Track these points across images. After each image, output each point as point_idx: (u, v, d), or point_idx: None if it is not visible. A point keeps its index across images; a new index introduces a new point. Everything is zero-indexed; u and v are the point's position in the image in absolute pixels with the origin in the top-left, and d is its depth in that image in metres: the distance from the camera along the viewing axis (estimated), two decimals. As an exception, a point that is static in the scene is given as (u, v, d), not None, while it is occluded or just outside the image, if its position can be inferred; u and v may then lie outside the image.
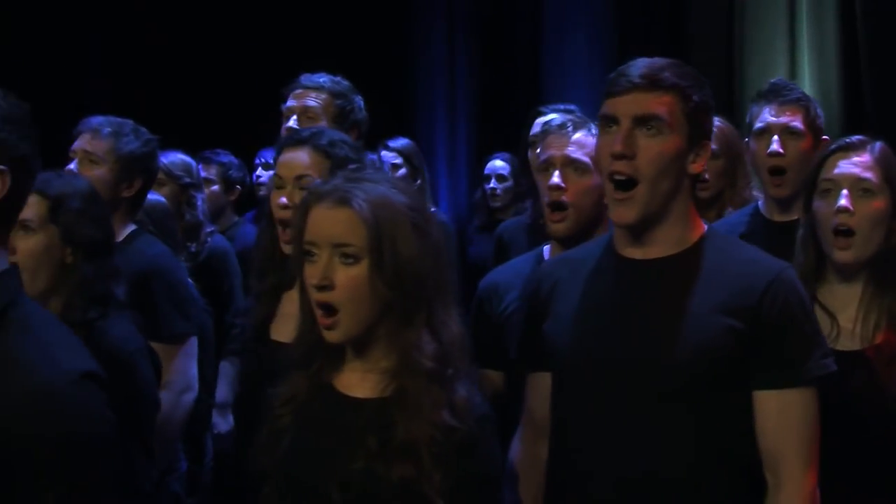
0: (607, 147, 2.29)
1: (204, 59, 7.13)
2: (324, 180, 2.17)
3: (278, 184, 2.84)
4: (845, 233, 2.70)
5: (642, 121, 2.26)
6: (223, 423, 4.22)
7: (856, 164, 2.71)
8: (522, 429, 2.66)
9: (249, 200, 5.67)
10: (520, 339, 2.64)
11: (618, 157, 2.26)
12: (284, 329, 2.80)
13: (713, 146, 3.68)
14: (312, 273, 2.05)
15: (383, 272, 2.03)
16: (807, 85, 6.26)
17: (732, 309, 2.24)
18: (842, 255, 2.75)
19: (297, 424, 2.16)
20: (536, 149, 3.70)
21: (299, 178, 2.80)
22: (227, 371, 4.16)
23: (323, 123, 3.52)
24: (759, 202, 3.58)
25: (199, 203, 4.39)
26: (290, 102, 3.68)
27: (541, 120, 3.86)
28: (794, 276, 2.38)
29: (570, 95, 6.81)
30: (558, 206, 2.90)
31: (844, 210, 2.68)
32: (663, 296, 2.31)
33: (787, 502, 2.24)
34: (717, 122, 3.91)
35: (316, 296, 2.05)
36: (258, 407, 2.72)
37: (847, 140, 2.78)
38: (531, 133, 3.91)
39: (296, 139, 2.89)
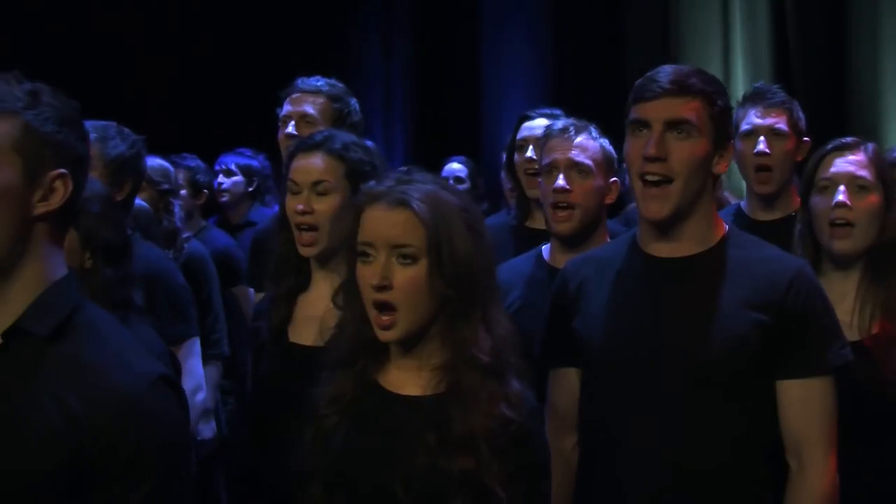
0: (639, 149, 2.40)
1: (162, 61, 7.02)
2: (376, 182, 2.19)
3: (294, 189, 2.86)
4: (843, 225, 2.87)
5: (673, 125, 2.38)
6: (207, 429, 4.19)
7: (851, 162, 2.89)
8: (547, 423, 2.73)
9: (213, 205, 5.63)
10: (545, 336, 2.74)
11: (651, 159, 2.38)
12: (303, 332, 2.84)
13: None
14: (370, 273, 2.07)
15: (441, 271, 2.07)
16: (740, 85, 6.46)
17: (759, 304, 2.38)
18: (841, 245, 2.91)
19: (346, 424, 2.18)
20: (524, 152, 3.79)
21: (316, 183, 2.82)
22: (210, 376, 4.12)
23: (321, 128, 3.50)
24: (742, 203, 3.75)
25: (176, 209, 4.34)
26: (288, 108, 3.67)
27: (529, 124, 3.95)
28: (813, 273, 2.54)
29: (509, 95, 6.92)
30: (564, 207, 3.00)
31: (843, 205, 2.85)
32: (693, 292, 2.42)
33: (813, 485, 2.36)
34: None
35: (375, 296, 2.07)
36: (279, 408, 2.74)
37: (842, 141, 2.96)
38: (518, 137, 3.99)
39: (309, 144, 2.91)
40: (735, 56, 6.53)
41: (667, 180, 2.39)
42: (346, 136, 2.95)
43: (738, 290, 2.40)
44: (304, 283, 2.88)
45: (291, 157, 2.93)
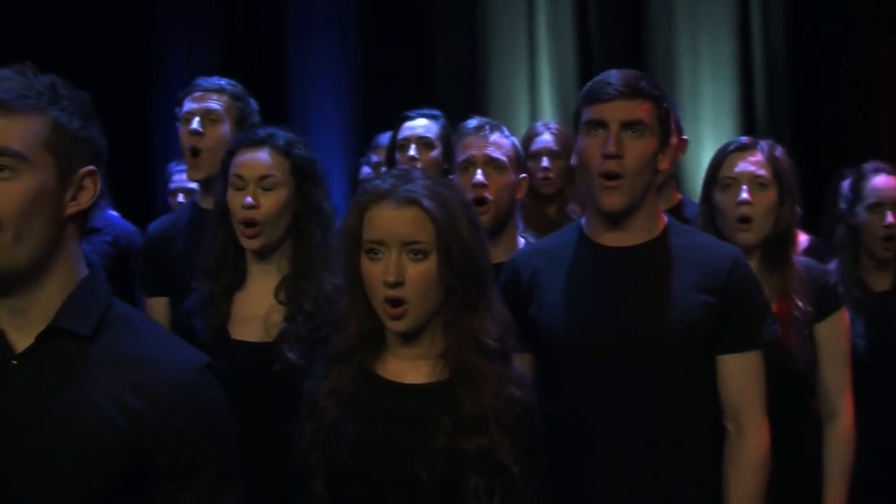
0: (597, 147, 2.60)
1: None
2: (377, 180, 2.25)
3: (238, 185, 2.87)
4: (746, 220, 3.19)
5: (628, 125, 2.59)
6: None
7: (752, 162, 3.20)
8: None
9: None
10: None
11: (612, 156, 2.57)
12: (245, 329, 2.89)
13: (556, 147, 3.99)
14: (381, 270, 2.14)
15: (450, 264, 2.16)
16: (546, 88, 6.60)
17: (705, 287, 2.63)
18: (744, 237, 3.20)
19: (352, 416, 2.22)
20: (406, 151, 3.81)
21: (262, 178, 2.85)
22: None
23: (226, 125, 3.56)
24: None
25: None
26: (190, 105, 3.61)
27: (410, 124, 4.04)
28: (745, 258, 2.82)
29: (316, 99, 6.85)
30: (481, 202, 3.14)
31: (747, 202, 3.17)
32: (646, 277, 2.65)
33: (752, 446, 2.65)
34: (557, 125, 4.20)
35: (389, 292, 2.14)
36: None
37: (741, 141, 3.28)
38: (399, 136, 4.06)
39: (253, 140, 2.92)
40: (541, 63, 6.69)
41: (622, 175, 2.59)
42: (286, 134, 2.99)
43: (686, 274, 2.63)
44: (241, 280, 2.91)
45: (231, 153, 2.93)
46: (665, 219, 2.73)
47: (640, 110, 2.58)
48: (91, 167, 1.74)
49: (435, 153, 3.99)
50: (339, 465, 2.17)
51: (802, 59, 6.48)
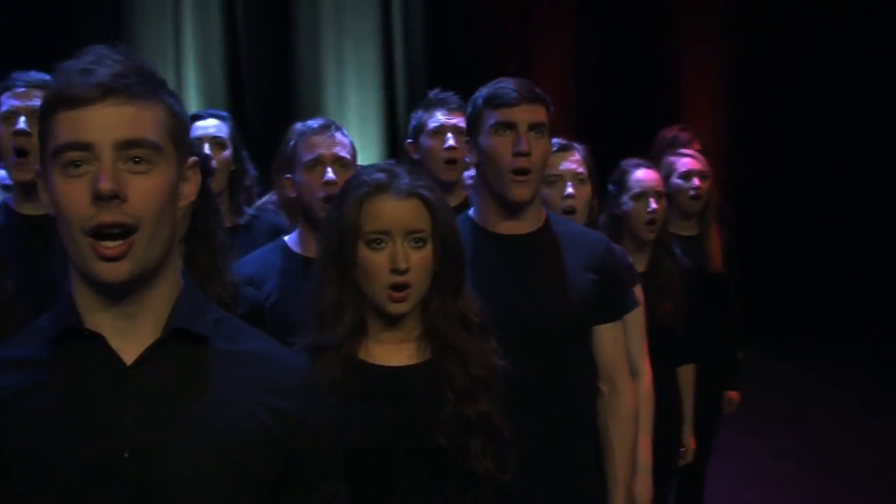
0: (507, 146, 2.82)
1: None
2: (366, 175, 2.33)
3: None
4: (571, 212, 3.46)
5: (533, 126, 2.84)
6: None
7: (573, 161, 3.51)
8: None
9: None
10: None
11: (524, 154, 2.81)
12: None
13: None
14: (386, 259, 2.25)
15: (445, 250, 2.31)
16: (193, 90, 6.62)
17: (590, 266, 2.92)
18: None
19: (353, 402, 2.26)
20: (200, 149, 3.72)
21: None
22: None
23: None
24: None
25: None
26: (13, 102, 3.24)
27: (202, 124, 3.93)
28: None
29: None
30: (332, 199, 3.14)
31: (571, 196, 3.47)
32: (543, 260, 2.91)
33: (626, 402, 2.98)
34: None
35: (395, 279, 2.24)
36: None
37: (561, 143, 3.51)
38: (192, 136, 3.92)
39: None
40: (187, 66, 6.69)
41: (531, 171, 2.84)
42: None
43: (574, 256, 2.91)
44: None
45: None
46: (544, 209, 2.99)
47: (540, 114, 2.84)
48: (195, 157, 1.61)
49: (226, 153, 3.97)
50: (353, 448, 2.14)
51: (441, 66, 6.85)
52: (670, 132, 4.70)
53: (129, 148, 1.45)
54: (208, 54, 6.70)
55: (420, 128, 4.03)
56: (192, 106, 6.65)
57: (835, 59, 8.81)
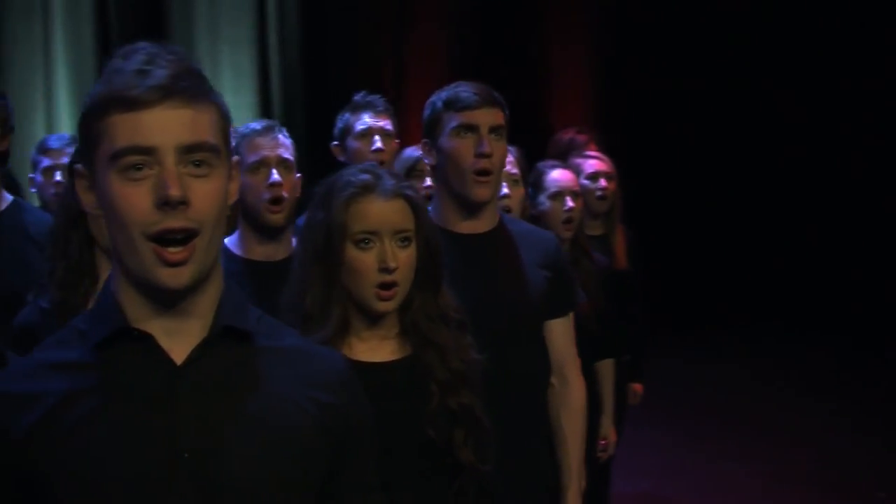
0: (469, 148, 2.89)
1: None
2: (351, 176, 2.35)
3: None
4: (508, 211, 3.53)
5: (493, 129, 2.92)
6: None
7: (507, 163, 3.50)
8: None
9: None
10: None
11: (486, 156, 2.88)
12: None
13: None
14: (374, 259, 2.28)
15: (427, 249, 2.36)
16: (64, 96, 6.50)
17: (543, 264, 3.01)
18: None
19: None
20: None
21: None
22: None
23: None
24: None
25: None
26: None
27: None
28: None
29: None
30: (277, 201, 3.22)
31: (507, 196, 3.58)
32: (502, 258, 2.99)
33: (577, 393, 3.08)
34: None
35: (384, 277, 2.28)
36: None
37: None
38: None
39: None
40: (57, 71, 6.56)
41: (493, 172, 2.90)
42: None
43: (528, 254, 3.00)
44: (94, 289, 2.71)
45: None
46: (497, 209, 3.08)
47: (500, 117, 2.92)
48: (236, 156, 1.57)
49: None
50: None
51: (317, 71, 6.87)
52: (566, 135, 4.82)
53: (190, 152, 1.44)
54: (80, 60, 6.57)
55: (347, 130, 4.08)
56: (63, 113, 6.51)
57: (708, 54, 9.17)
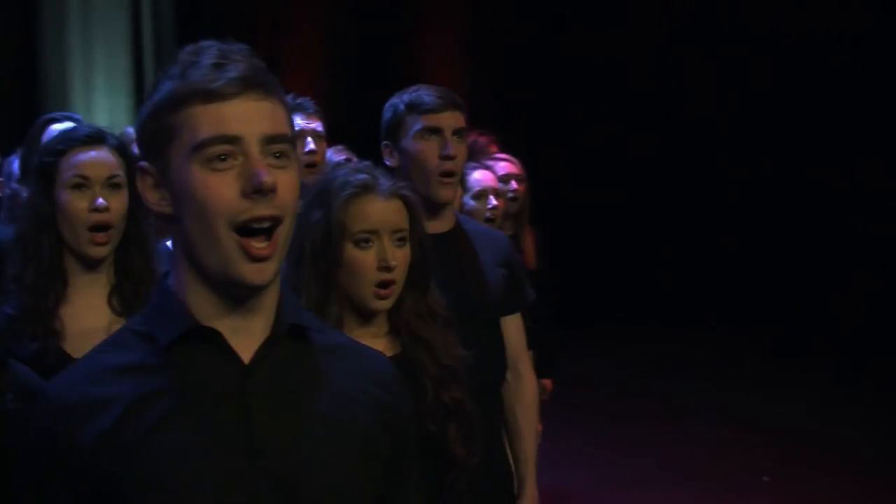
0: (434, 150, 2.94)
1: None
2: (344, 175, 2.38)
3: (83, 185, 2.58)
4: None
5: (456, 132, 2.98)
6: None
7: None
8: None
9: None
10: None
11: (450, 158, 2.94)
12: (84, 345, 2.40)
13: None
14: (373, 258, 2.31)
15: (420, 248, 2.40)
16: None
17: (500, 262, 3.09)
18: None
19: None
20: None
21: (110, 178, 2.61)
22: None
23: None
24: None
25: None
26: None
27: (58, 126, 3.62)
28: None
29: None
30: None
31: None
32: (463, 257, 3.04)
33: (530, 387, 3.17)
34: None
35: (383, 276, 2.31)
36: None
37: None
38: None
39: (87, 137, 2.63)
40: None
41: (456, 173, 2.98)
42: (112, 131, 2.77)
43: (485, 252, 3.07)
44: (64, 293, 2.63)
45: (60, 152, 2.62)
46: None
47: (461, 119, 3.00)
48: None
49: None
50: None
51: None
52: (469, 137, 4.88)
53: (271, 143, 1.46)
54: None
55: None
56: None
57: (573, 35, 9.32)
